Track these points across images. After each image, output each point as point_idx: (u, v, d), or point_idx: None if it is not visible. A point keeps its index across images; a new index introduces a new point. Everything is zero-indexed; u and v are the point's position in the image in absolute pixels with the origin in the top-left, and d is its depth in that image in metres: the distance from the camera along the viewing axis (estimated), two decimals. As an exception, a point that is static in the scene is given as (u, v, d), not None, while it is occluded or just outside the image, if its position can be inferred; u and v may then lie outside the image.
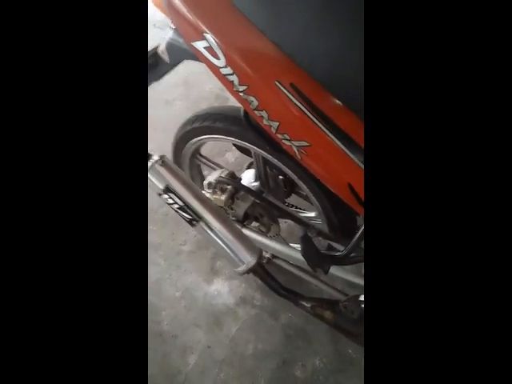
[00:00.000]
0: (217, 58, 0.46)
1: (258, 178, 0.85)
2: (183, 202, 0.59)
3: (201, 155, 0.96)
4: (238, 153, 1.53)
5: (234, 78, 0.46)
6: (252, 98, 0.46)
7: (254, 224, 0.93)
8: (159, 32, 2.29)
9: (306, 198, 0.90)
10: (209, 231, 0.61)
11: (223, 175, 0.81)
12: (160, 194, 0.60)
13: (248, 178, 0.91)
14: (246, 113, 0.56)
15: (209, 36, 0.45)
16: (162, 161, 0.58)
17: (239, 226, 0.86)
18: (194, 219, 0.60)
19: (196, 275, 1.18)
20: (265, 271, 0.65)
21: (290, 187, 0.90)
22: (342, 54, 0.40)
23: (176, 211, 0.61)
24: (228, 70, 0.46)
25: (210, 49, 0.46)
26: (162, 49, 0.62)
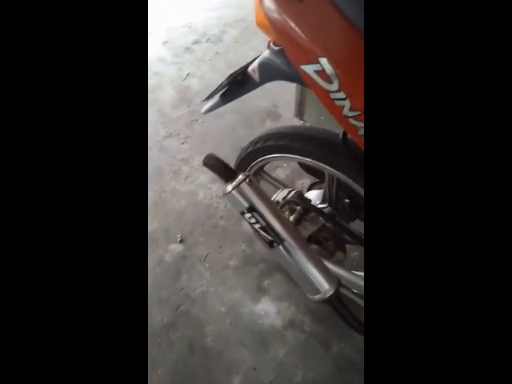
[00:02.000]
0: (329, 82, 0.45)
1: (326, 200, 0.82)
2: (266, 222, 0.57)
3: (264, 172, 0.95)
4: (288, 170, 1.53)
5: (346, 103, 0.45)
6: (363, 124, 0.44)
7: (314, 247, 0.90)
8: (212, 46, 2.35)
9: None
10: (287, 255, 0.59)
11: (292, 194, 0.79)
12: (243, 213, 0.59)
13: (313, 199, 0.88)
14: (344, 137, 0.54)
15: (324, 60, 0.44)
16: (249, 180, 0.57)
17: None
18: (275, 241, 0.58)
19: (242, 292, 1.16)
20: (341, 302, 0.61)
21: (356, 211, 0.87)
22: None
23: (257, 231, 0.59)
24: (340, 95, 0.44)
25: (321, 72, 0.45)
26: (253, 67, 0.62)
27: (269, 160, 0.83)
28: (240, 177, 0.57)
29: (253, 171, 0.90)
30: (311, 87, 0.48)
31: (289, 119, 1.65)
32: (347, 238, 0.79)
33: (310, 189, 0.96)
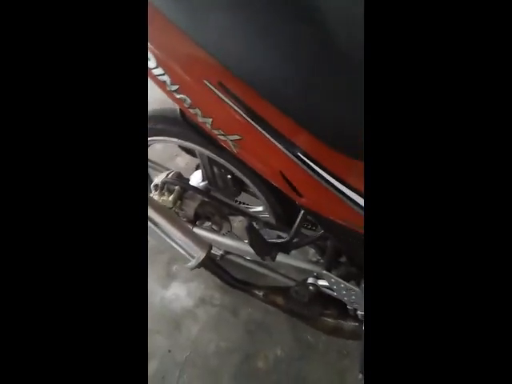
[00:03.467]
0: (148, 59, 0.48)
1: (205, 177, 0.87)
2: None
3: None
4: (188, 158, 1.54)
5: (166, 78, 0.48)
6: (185, 97, 0.49)
7: (207, 224, 0.95)
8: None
9: (253, 194, 0.94)
10: (156, 229, 0.62)
11: (170, 176, 0.82)
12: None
13: (197, 178, 0.93)
14: (182, 112, 0.58)
15: (137, 38, 0.47)
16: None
17: (191, 226, 0.87)
18: (140, 219, 0.61)
19: (151, 281, 1.16)
20: (215, 264, 0.67)
21: (239, 186, 0.93)
22: (259, 51, 0.44)
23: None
24: (159, 71, 0.48)
25: (139, 50, 0.48)
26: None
27: (143, 146, 0.85)
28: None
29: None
30: (137, 66, 0.51)
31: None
32: (227, 210, 0.86)
33: (196, 169, 1.00)
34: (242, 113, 0.46)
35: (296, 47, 0.45)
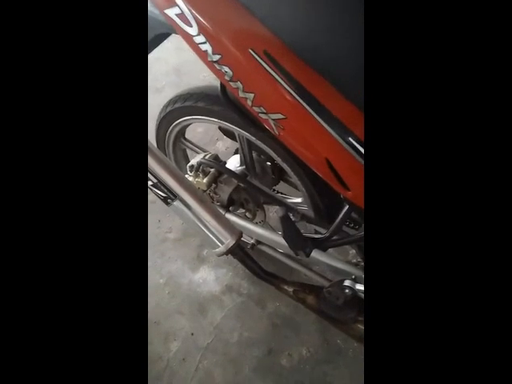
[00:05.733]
0: (189, 25, 0.44)
1: (243, 162, 0.82)
2: (157, 178, 0.57)
3: (185, 139, 0.94)
4: (229, 142, 1.51)
5: (208, 47, 0.44)
6: (226, 68, 0.44)
7: (241, 211, 0.91)
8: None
9: (293, 184, 0.88)
10: (185, 210, 0.59)
11: (206, 158, 0.79)
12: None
13: (234, 162, 0.89)
14: (222, 87, 0.54)
15: (180, 1, 0.43)
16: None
17: (224, 211, 0.84)
18: (169, 197, 0.58)
19: (181, 263, 1.16)
20: (244, 253, 0.63)
21: (278, 174, 0.88)
22: (315, 19, 0.38)
23: (150, 189, 0.59)
24: (201, 39, 0.44)
25: (182, 16, 0.44)
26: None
27: (182, 124, 0.82)
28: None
29: (172, 138, 0.89)
30: (179, 33, 0.47)
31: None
32: (262, 198, 0.81)
33: (235, 153, 0.96)
34: (288, 88, 0.40)
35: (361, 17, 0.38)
